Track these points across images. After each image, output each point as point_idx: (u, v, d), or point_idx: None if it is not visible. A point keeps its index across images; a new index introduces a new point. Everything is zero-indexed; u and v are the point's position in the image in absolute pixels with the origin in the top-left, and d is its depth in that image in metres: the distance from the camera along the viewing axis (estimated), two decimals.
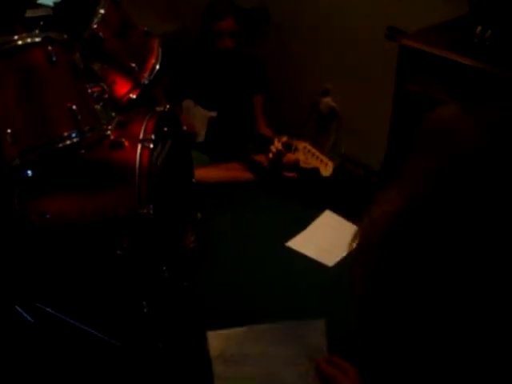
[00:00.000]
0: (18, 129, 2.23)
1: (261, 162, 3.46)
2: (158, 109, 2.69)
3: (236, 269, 2.87)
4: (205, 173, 3.29)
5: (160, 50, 2.82)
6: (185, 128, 2.92)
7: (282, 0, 4.07)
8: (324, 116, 4.01)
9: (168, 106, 2.73)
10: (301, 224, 3.11)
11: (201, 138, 3.66)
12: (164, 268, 2.49)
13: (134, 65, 2.68)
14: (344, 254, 2.86)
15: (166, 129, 2.66)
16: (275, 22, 4.15)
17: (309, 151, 3.19)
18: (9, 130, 2.22)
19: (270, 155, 3.29)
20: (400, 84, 2.88)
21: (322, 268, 2.84)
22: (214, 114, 3.72)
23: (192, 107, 3.74)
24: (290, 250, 2.96)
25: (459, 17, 2.87)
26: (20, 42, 2.27)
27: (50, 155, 2.34)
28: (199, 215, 3.00)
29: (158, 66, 2.77)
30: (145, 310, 2.47)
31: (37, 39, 2.30)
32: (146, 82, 2.72)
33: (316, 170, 3.13)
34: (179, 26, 4.62)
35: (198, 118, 3.70)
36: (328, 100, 3.97)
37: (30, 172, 2.44)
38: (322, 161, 3.14)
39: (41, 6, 3.06)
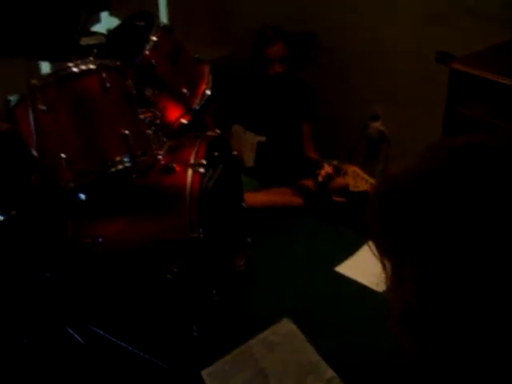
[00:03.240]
0: (73, 153, 2.28)
1: (309, 187, 3.46)
2: (209, 134, 2.72)
3: (285, 293, 2.85)
4: (254, 197, 3.30)
5: (211, 75, 2.86)
6: (235, 153, 2.94)
7: (332, 25, 4.08)
8: (373, 141, 3.99)
9: (218, 131, 2.76)
10: (350, 249, 3.08)
11: (250, 162, 3.68)
12: (213, 292, 2.50)
13: (185, 90, 2.72)
14: None
15: (216, 154, 2.68)
16: (324, 47, 4.16)
17: (358, 175, 3.17)
18: (63, 155, 2.27)
19: (320, 179, 3.28)
20: (450, 108, 2.86)
21: (371, 293, 2.81)
22: (262, 138, 3.74)
23: (241, 132, 3.76)
24: (339, 274, 2.94)
25: (509, 40, 2.85)
26: (75, 70, 2.33)
27: (102, 179, 2.38)
28: (249, 239, 3.00)
29: (208, 92, 2.80)
30: (194, 334, 2.48)
31: (91, 66, 2.35)
32: (197, 107, 2.76)
33: (366, 194, 3.11)
34: (229, 51, 4.67)
35: (247, 142, 3.73)
36: (378, 125, 3.96)
37: (83, 196, 2.49)
38: (371, 185, 3.12)
39: (95, 33, 3.13)
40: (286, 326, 2.08)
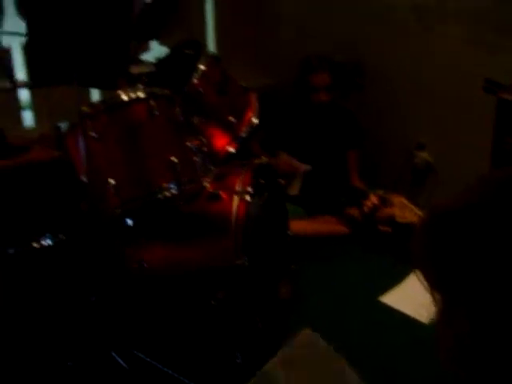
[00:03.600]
0: (121, 180, 2.31)
1: (355, 216, 3.45)
2: (255, 161, 2.73)
3: (329, 322, 2.83)
4: (299, 225, 3.29)
5: (257, 104, 2.88)
6: (281, 181, 2.95)
7: (377, 54, 4.08)
8: (419, 170, 3.96)
9: (265, 159, 2.77)
10: (395, 279, 3.06)
11: (296, 191, 3.68)
12: (258, 319, 2.49)
13: (232, 119, 2.74)
14: None
15: (262, 181, 2.69)
16: (370, 76, 4.16)
17: (404, 205, 3.16)
18: (112, 181, 2.31)
19: (365, 209, 3.27)
20: (498, 138, 2.83)
21: (417, 324, 2.78)
22: (308, 167, 3.74)
23: (287, 159, 3.77)
24: (384, 305, 2.91)
25: None
26: (125, 98, 2.38)
27: (149, 206, 2.41)
28: (293, 267, 3.00)
29: (255, 120, 2.82)
30: (238, 361, 2.47)
31: (140, 94, 2.39)
32: (244, 135, 2.78)
33: (412, 225, 3.09)
34: (275, 80, 4.69)
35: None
36: (424, 154, 3.93)
37: (130, 221, 2.52)
38: (418, 215, 3.10)
39: (144, 61, 3.19)
40: (308, 337, 1.99)
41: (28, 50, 2.21)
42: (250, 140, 2.89)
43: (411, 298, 2.93)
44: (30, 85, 2.39)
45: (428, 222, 0.90)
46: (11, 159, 2.96)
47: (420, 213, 3.09)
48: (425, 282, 0.91)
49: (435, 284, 0.90)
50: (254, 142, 3.77)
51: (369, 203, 3.27)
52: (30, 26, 2.12)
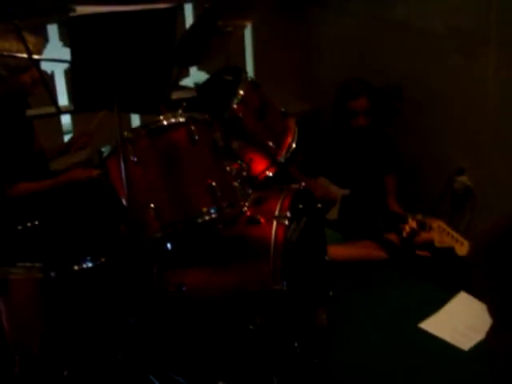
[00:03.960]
0: (161, 204, 2.34)
1: (393, 241, 3.43)
2: (294, 186, 2.74)
3: (367, 348, 2.81)
4: (337, 250, 3.28)
5: (296, 129, 2.89)
6: (319, 205, 2.95)
7: (416, 78, 4.07)
8: (459, 195, 3.93)
9: (303, 184, 2.77)
10: (434, 305, 3.02)
11: (334, 215, 3.67)
12: (295, 344, 2.49)
13: (271, 143, 2.76)
14: (480, 337, 2.75)
15: (301, 206, 2.70)
16: (409, 100, 4.15)
17: (444, 230, 3.13)
18: (152, 205, 2.34)
19: (404, 234, 3.25)
20: None
21: (456, 352, 2.74)
22: (347, 191, 3.74)
23: (326, 185, 3.77)
24: (423, 331, 2.88)
25: None
26: (165, 122, 2.41)
27: (189, 229, 2.43)
28: (331, 293, 2.99)
29: (294, 145, 2.83)
30: None
31: (181, 119, 2.42)
32: (283, 160, 2.79)
33: (451, 250, 3.06)
34: (313, 104, 4.71)
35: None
36: (463, 179, 3.90)
37: (169, 245, 2.54)
38: (457, 240, 3.07)
39: (184, 87, 3.23)
40: None
41: (71, 75, 2.25)
42: (289, 164, 2.90)
43: (451, 324, 2.90)
44: (73, 110, 2.42)
45: (487, 245, 0.90)
46: (51, 178, 3.02)
47: (459, 237, 3.07)
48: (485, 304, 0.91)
49: (496, 305, 0.90)
50: (293, 167, 3.77)
51: (407, 227, 3.24)
52: (73, 52, 2.16)
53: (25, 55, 2.46)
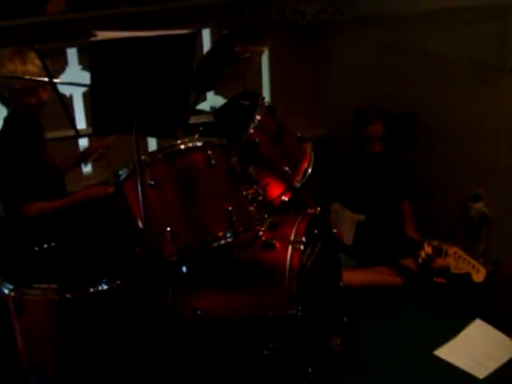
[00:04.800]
0: (177, 227, 2.35)
1: (409, 267, 3.42)
2: (309, 211, 2.75)
3: (381, 375, 2.80)
4: (353, 276, 3.28)
5: (312, 154, 2.90)
6: (335, 231, 2.95)
7: (431, 104, 4.08)
8: (474, 222, 3.91)
9: (319, 209, 2.78)
10: (450, 332, 3.01)
11: (349, 241, 3.67)
12: (309, 370, 2.48)
13: (287, 168, 2.77)
14: (496, 366, 2.73)
15: (316, 231, 2.70)
16: (425, 126, 4.16)
17: (460, 256, 3.12)
18: (168, 229, 2.34)
19: (420, 260, 3.24)
20: None
21: (472, 380, 2.72)
22: (362, 217, 3.73)
23: (340, 210, 3.77)
24: (438, 358, 2.86)
25: None
26: (182, 147, 2.42)
27: (204, 253, 2.43)
28: (345, 319, 2.98)
29: (310, 170, 2.84)
30: None
31: (198, 144, 2.44)
32: (298, 185, 2.80)
33: (467, 276, 3.05)
34: (329, 130, 4.73)
35: (346, 221, 3.73)
36: (479, 205, 3.88)
37: (184, 269, 2.54)
38: (473, 266, 3.06)
39: (201, 111, 3.25)
40: None
41: (91, 99, 2.27)
42: (304, 189, 2.91)
43: (466, 352, 2.88)
44: (92, 133, 2.44)
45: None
46: (66, 196, 3.05)
47: (476, 264, 3.05)
48: None
49: None
50: (306, 192, 3.77)
51: (423, 253, 3.23)
52: (93, 76, 2.19)
53: (28, 77, 2.50)
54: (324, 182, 3.89)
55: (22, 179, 2.95)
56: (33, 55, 2.89)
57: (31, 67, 2.91)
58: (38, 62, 2.82)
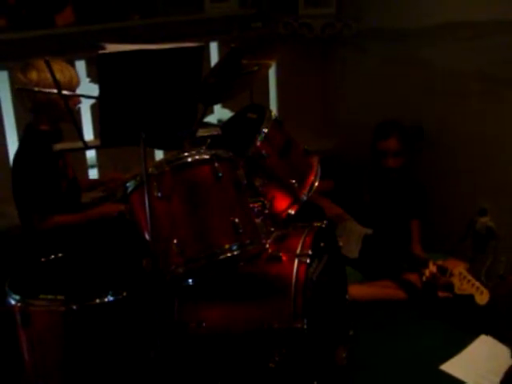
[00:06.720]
0: (184, 239, 2.36)
1: (414, 281, 3.42)
2: (315, 224, 2.75)
3: None
4: (358, 290, 3.28)
5: (319, 167, 2.91)
6: (341, 244, 2.95)
7: (439, 118, 4.08)
8: (481, 236, 3.91)
9: (325, 222, 2.78)
10: (455, 346, 3.01)
11: (355, 254, 3.67)
12: (315, 383, 2.48)
13: (294, 181, 2.77)
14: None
15: (322, 244, 2.70)
16: (432, 141, 4.16)
17: (464, 277, 3.13)
18: (175, 240, 2.35)
19: (424, 278, 3.25)
20: None
21: None
22: (369, 231, 3.73)
23: (348, 222, 3.77)
24: (445, 373, 2.86)
25: None
26: (189, 159, 2.43)
27: (211, 265, 2.44)
28: (351, 332, 2.97)
29: (317, 183, 2.84)
30: None
31: (205, 156, 2.45)
32: (305, 198, 2.80)
33: (471, 297, 3.06)
34: (335, 143, 4.74)
35: (354, 234, 3.73)
36: (485, 220, 3.88)
37: (190, 280, 2.55)
38: (477, 288, 3.07)
39: (208, 124, 3.26)
40: None
41: (99, 112, 2.28)
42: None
43: (472, 366, 2.88)
44: (100, 145, 2.44)
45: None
46: (81, 213, 3.05)
47: (480, 286, 3.06)
48: None
49: None
50: (322, 197, 3.76)
51: (427, 272, 3.24)
52: (102, 89, 2.20)
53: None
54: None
55: (43, 195, 2.93)
56: (59, 65, 2.88)
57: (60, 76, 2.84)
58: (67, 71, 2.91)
